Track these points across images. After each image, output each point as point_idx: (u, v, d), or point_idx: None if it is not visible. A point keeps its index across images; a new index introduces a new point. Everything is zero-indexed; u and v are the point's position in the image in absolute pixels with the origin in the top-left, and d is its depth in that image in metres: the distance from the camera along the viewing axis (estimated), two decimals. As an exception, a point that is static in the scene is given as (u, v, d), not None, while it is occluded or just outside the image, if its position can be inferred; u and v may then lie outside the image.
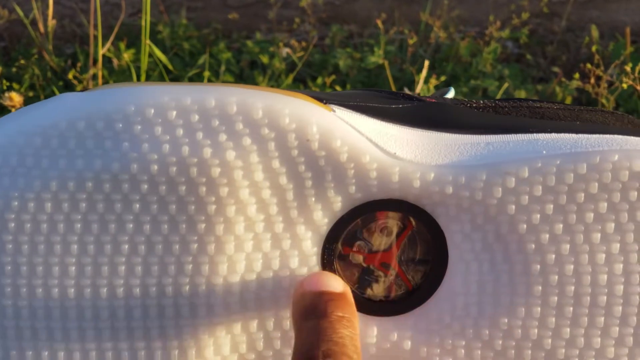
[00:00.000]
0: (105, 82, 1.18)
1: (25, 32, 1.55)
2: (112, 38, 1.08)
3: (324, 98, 0.38)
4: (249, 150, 0.36)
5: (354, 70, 1.27)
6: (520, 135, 0.37)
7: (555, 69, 1.28)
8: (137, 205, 0.36)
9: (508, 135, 0.38)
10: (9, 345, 0.37)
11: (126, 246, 0.37)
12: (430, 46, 1.35)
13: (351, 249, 0.38)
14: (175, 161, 0.35)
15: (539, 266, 0.37)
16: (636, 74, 0.91)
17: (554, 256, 0.37)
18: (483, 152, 0.37)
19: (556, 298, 0.37)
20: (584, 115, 0.39)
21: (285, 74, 1.23)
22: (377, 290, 0.39)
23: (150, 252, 0.37)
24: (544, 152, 0.36)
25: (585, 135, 0.37)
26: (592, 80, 0.99)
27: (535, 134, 0.37)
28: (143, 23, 0.91)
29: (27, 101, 1.22)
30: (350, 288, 0.38)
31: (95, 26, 1.41)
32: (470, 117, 0.39)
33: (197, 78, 1.21)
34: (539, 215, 0.36)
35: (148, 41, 0.91)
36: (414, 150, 0.37)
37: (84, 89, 1.13)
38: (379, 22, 1.27)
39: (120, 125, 0.35)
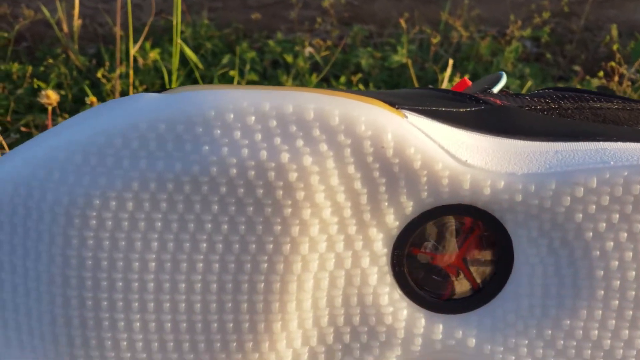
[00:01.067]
0: (134, 82, 1.19)
1: (47, 32, 1.57)
2: (142, 38, 1.10)
3: (396, 102, 0.39)
4: (326, 156, 0.37)
5: (376, 69, 1.28)
6: (587, 143, 0.39)
7: (576, 68, 1.30)
8: (216, 207, 0.37)
9: (575, 143, 0.39)
10: (89, 335, 0.39)
11: (204, 245, 0.38)
12: (451, 45, 1.36)
13: (420, 249, 0.39)
14: (254, 165, 0.37)
15: (602, 272, 0.38)
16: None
17: (617, 262, 0.38)
18: (552, 161, 0.38)
19: (617, 302, 0.39)
20: None
21: (309, 73, 1.24)
22: (443, 289, 0.40)
23: (228, 251, 0.38)
24: (612, 162, 0.37)
25: (650, 146, 0.38)
26: (616, 78, 1.00)
27: (601, 143, 0.39)
28: (174, 23, 0.92)
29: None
30: (418, 287, 0.40)
31: (122, 26, 1.42)
32: (536, 122, 0.40)
33: (222, 77, 1.22)
34: (605, 224, 0.38)
35: (179, 40, 0.92)
36: (485, 157, 0.38)
37: (112, 88, 1.14)
38: (401, 22, 1.28)
39: (201, 129, 0.37)
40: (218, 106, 0.37)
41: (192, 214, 0.37)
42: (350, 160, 0.37)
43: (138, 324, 0.39)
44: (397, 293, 0.40)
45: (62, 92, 1.16)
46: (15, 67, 1.27)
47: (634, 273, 0.38)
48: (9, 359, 0.41)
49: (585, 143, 0.39)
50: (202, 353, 0.39)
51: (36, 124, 1.13)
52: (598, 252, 0.38)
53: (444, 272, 0.40)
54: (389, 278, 0.39)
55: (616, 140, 0.39)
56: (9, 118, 1.12)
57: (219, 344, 0.39)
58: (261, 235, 0.38)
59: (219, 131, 0.36)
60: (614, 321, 0.39)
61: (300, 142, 0.37)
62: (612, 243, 0.38)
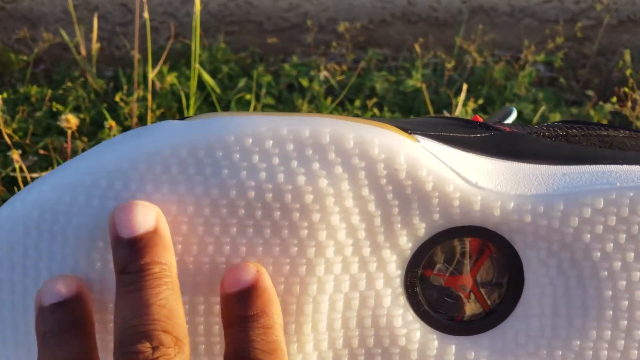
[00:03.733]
0: (151, 105, 1.21)
1: (64, 55, 1.59)
2: (161, 62, 1.11)
3: (408, 128, 0.40)
4: (341, 178, 0.38)
5: (390, 93, 1.29)
6: (593, 166, 0.40)
7: (590, 92, 1.31)
8: (234, 229, 0.38)
9: (582, 166, 0.40)
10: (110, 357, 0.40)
11: (223, 266, 0.39)
12: (464, 70, 1.37)
13: (432, 271, 0.41)
14: (271, 188, 0.38)
15: (610, 292, 0.39)
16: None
17: (625, 282, 0.39)
18: (560, 183, 0.39)
19: (626, 322, 0.40)
20: None
21: (324, 97, 1.25)
22: (455, 310, 0.41)
23: None
24: (618, 184, 0.38)
25: (655, 168, 0.39)
26: (629, 104, 1.01)
27: (607, 165, 0.40)
28: (193, 48, 0.94)
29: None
30: (431, 308, 0.41)
31: (139, 49, 1.43)
32: (545, 147, 0.41)
33: (239, 101, 1.23)
34: (612, 244, 0.39)
35: (197, 65, 0.94)
36: (495, 179, 0.39)
37: (130, 111, 1.16)
38: (416, 47, 1.30)
39: (221, 153, 0.38)
40: (237, 131, 0.38)
41: (212, 237, 0.39)
42: (364, 183, 0.38)
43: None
44: (411, 314, 0.41)
45: (81, 115, 1.17)
46: (34, 89, 1.29)
47: (641, 293, 0.39)
48: None
49: (591, 166, 0.40)
50: (219, 373, 0.40)
51: (54, 147, 1.15)
52: (606, 272, 0.39)
53: (455, 294, 0.41)
54: (403, 300, 0.40)
55: (622, 163, 0.40)
56: (27, 141, 1.14)
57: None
58: (278, 257, 0.39)
59: (238, 155, 0.38)
60: (622, 341, 0.40)
61: (316, 165, 0.38)
62: (619, 263, 0.39)
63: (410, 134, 0.40)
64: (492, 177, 0.39)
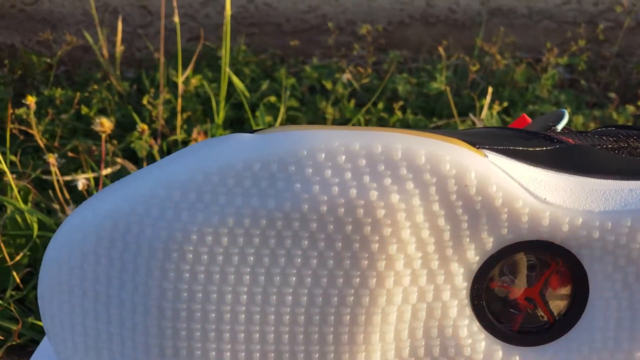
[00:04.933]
0: (177, 108, 1.22)
1: (85, 57, 1.59)
2: (191, 66, 1.12)
3: (476, 142, 0.41)
4: (412, 194, 0.39)
5: (413, 95, 1.30)
6: (659, 182, 0.41)
7: (612, 94, 1.31)
8: (306, 242, 0.39)
9: (648, 182, 0.41)
10: None
11: (293, 278, 0.40)
12: (485, 72, 1.38)
13: (498, 283, 0.41)
14: (343, 202, 0.39)
15: (674, 305, 0.40)
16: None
17: (688, 297, 0.40)
18: (627, 199, 0.40)
19: (688, 335, 0.40)
20: None
21: (347, 99, 1.26)
22: (520, 322, 0.42)
23: (316, 284, 0.40)
24: (683, 200, 0.39)
25: None
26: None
27: (673, 181, 0.41)
28: (223, 52, 0.95)
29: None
30: (496, 319, 0.41)
31: (159, 51, 1.44)
32: (609, 161, 0.42)
33: (264, 104, 1.24)
34: (677, 260, 0.40)
35: (228, 69, 0.94)
36: (563, 195, 0.40)
37: (157, 115, 1.16)
38: (440, 49, 1.30)
39: (293, 167, 0.39)
40: (310, 146, 0.39)
41: (283, 249, 0.39)
42: (435, 198, 0.39)
43: (228, 354, 0.41)
44: (476, 325, 0.41)
45: (109, 118, 1.18)
46: (59, 92, 1.30)
47: None
48: None
49: (658, 182, 0.41)
50: (288, 382, 0.41)
51: (82, 149, 1.16)
52: (671, 288, 0.40)
53: (520, 306, 0.42)
54: (468, 311, 0.41)
55: (687, 179, 0.41)
56: (56, 143, 1.14)
57: (304, 374, 0.41)
58: (348, 270, 0.40)
59: (310, 170, 0.38)
60: (684, 353, 0.41)
61: (388, 181, 0.39)
62: (683, 278, 0.40)
63: (478, 148, 0.40)
64: (561, 192, 0.40)
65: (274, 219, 0.39)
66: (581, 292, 0.41)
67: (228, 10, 0.94)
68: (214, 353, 0.41)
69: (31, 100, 0.91)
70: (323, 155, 0.39)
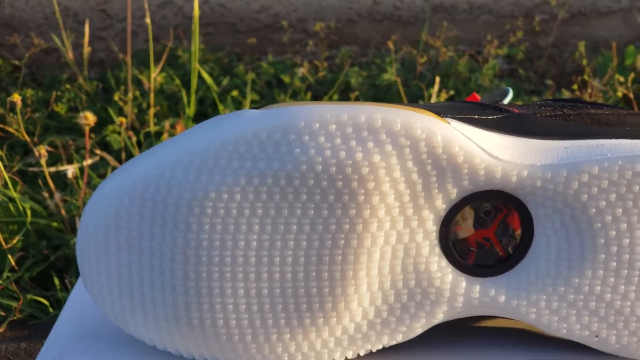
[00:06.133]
0: (145, 104, 1.29)
1: (46, 60, 1.66)
2: (161, 64, 1.20)
3: (441, 112, 0.50)
4: (390, 154, 0.48)
5: (365, 87, 1.39)
6: (588, 140, 0.50)
7: (549, 82, 1.42)
8: (304, 196, 0.48)
9: (579, 140, 0.50)
10: (202, 301, 0.49)
11: (294, 227, 0.49)
12: (431, 64, 1.48)
13: (461, 227, 0.51)
14: (335, 163, 0.47)
15: (603, 240, 0.50)
16: (628, 84, 1.05)
17: (614, 232, 0.49)
18: (563, 155, 0.50)
19: (615, 263, 0.50)
20: (630, 120, 0.52)
21: (304, 92, 1.35)
22: (480, 257, 0.51)
23: (313, 230, 0.49)
24: (609, 154, 0.49)
25: (637, 141, 0.50)
26: (589, 90, 1.13)
27: (599, 140, 0.50)
28: (193, 49, 1.03)
29: (68, 120, 1.33)
30: (460, 256, 0.51)
31: (119, 52, 1.51)
32: (548, 125, 0.52)
33: (227, 98, 1.32)
34: (604, 202, 0.49)
35: (197, 65, 1.03)
36: (511, 153, 0.49)
37: (126, 110, 1.24)
38: (390, 44, 1.40)
39: (293, 136, 0.47)
40: (307, 118, 0.47)
41: (286, 202, 0.48)
42: (409, 157, 0.48)
43: (242, 291, 0.49)
44: (444, 262, 0.51)
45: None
46: (30, 92, 1.36)
47: (628, 240, 0.50)
48: (134, 326, 0.51)
49: (587, 140, 0.50)
50: (291, 313, 0.50)
51: (56, 145, 1.23)
52: (599, 224, 0.49)
53: (479, 244, 0.51)
54: (438, 250, 0.50)
55: (611, 138, 0.51)
56: (36, 139, 1.21)
57: (304, 306, 0.50)
58: (340, 218, 0.48)
59: (307, 137, 0.47)
60: (612, 279, 0.50)
61: (370, 144, 0.47)
62: (610, 217, 0.49)
63: (442, 117, 0.50)
64: (509, 151, 0.50)
65: (278, 178, 0.48)
66: (528, 232, 0.51)
67: (196, 11, 1.02)
68: (229, 291, 0.49)
69: (17, 98, 0.98)
70: (317, 125, 0.47)
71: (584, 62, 1.26)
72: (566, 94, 1.27)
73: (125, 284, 0.50)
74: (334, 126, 0.47)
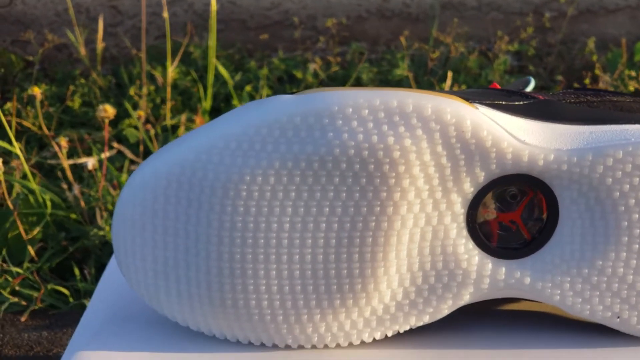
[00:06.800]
0: (157, 98, 1.30)
1: (58, 56, 1.67)
2: (176, 61, 1.21)
3: (469, 98, 0.51)
4: (421, 138, 0.49)
5: (375, 83, 1.41)
6: (612, 126, 0.52)
7: (559, 77, 1.44)
8: (337, 179, 0.49)
9: (604, 126, 0.52)
10: (235, 282, 0.51)
11: (327, 209, 0.50)
12: (441, 60, 1.50)
13: (488, 209, 0.52)
14: (367, 146, 0.49)
15: (626, 222, 0.51)
16: (639, 78, 1.07)
17: (637, 215, 0.51)
18: (588, 139, 0.51)
19: (638, 246, 0.51)
20: None
21: (316, 87, 1.37)
22: (505, 240, 0.53)
23: (345, 213, 0.50)
24: (633, 139, 0.50)
25: (660, 126, 0.51)
26: (601, 85, 1.14)
27: (623, 125, 0.52)
28: (210, 43, 1.04)
29: (82, 115, 1.34)
30: (486, 239, 0.52)
31: (132, 48, 1.52)
32: (573, 112, 0.53)
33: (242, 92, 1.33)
34: (628, 186, 0.50)
35: (215, 60, 1.04)
36: (538, 137, 0.51)
37: (139, 105, 1.25)
38: (402, 39, 1.41)
39: (327, 120, 0.49)
40: (340, 103, 0.49)
41: (319, 185, 0.49)
42: (439, 142, 0.49)
43: (274, 272, 0.51)
44: (471, 244, 0.52)
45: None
46: (44, 87, 1.38)
47: (650, 223, 0.51)
48: (168, 308, 0.53)
49: (611, 126, 0.52)
50: (322, 294, 0.51)
51: (72, 138, 1.24)
52: (623, 208, 0.51)
53: (505, 227, 0.52)
54: (465, 232, 0.52)
55: (634, 123, 0.52)
56: (52, 133, 1.23)
57: (335, 287, 0.51)
58: (371, 200, 0.50)
59: (340, 121, 0.49)
60: (635, 261, 0.52)
61: (402, 129, 0.49)
62: (633, 200, 0.51)
63: (471, 102, 0.51)
64: (536, 135, 0.51)
65: (312, 161, 0.49)
66: (553, 215, 0.52)
67: (214, 5, 1.03)
68: (262, 272, 0.51)
69: (37, 90, 1.00)
70: (350, 110, 0.49)
71: (594, 58, 1.28)
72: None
73: (161, 265, 0.52)
74: (367, 111, 0.49)
